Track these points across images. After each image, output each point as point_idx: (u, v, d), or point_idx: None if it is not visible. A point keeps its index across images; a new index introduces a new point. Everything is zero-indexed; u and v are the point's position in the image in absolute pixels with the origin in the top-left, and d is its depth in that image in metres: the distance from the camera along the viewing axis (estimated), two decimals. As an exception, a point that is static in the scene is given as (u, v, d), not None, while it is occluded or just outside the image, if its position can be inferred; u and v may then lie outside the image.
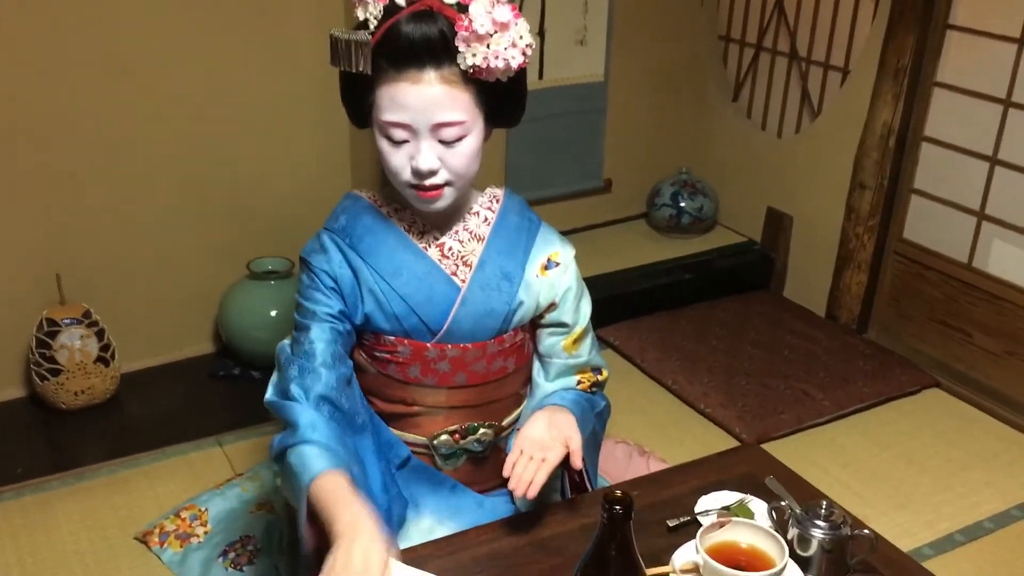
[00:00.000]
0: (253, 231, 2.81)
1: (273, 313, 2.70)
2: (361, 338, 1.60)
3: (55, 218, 2.55)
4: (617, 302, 3.07)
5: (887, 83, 2.86)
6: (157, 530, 2.09)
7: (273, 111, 2.76)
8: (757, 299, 3.28)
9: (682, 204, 3.41)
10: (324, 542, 1.30)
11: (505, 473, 1.45)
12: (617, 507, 1.05)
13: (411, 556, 1.38)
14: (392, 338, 1.57)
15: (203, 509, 2.14)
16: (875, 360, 2.89)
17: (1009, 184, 2.67)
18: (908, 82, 2.81)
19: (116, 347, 2.59)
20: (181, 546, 2.06)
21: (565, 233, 1.72)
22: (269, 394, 1.56)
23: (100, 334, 2.55)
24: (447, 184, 1.47)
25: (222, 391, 2.72)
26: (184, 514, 2.13)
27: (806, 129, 3.26)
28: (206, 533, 2.09)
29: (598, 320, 1.75)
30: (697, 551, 1.30)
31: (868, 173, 2.97)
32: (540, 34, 3.17)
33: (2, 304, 2.54)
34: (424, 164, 1.41)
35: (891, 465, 2.48)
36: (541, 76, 3.24)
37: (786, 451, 2.33)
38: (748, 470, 1.64)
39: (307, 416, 1.43)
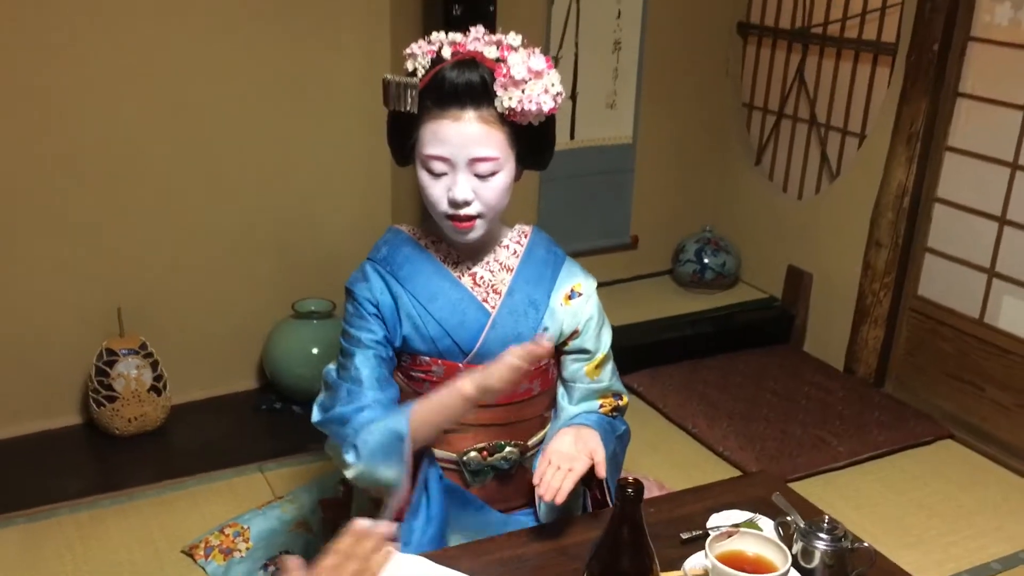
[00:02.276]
0: (298, 274, 3.00)
1: (315, 351, 2.86)
2: (399, 360, 1.75)
3: (118, 256, 2.76)
4: (641, 351, 3.20)
5: (901, 147, 3.01)
6: (202, 544, 2.23)
7: (319, 164, 2.97)
8: (777, 353, 3.39)
9: (706, 260, 3.56)
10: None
11: (535, 481, 1.58)
12: (629, 490, 1.19)
13: (441, 557, 1.50)
14: (427, 359, 1.71)
15: (245, 527, 2.28)
16: (890, 411, 2.99)
17: (1018, 243, 2.80)
18: (921, 146, 2.97)
19: (168, 378, 2.77)
20: (224, 559, 2.19)
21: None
22: (316, 415, 1.70)
23: (154, 365, 2.73)
24: (479, 216, 1.62)
25: (265, 423, 2.88)
26: (228, 530, 2.27)
27: (825, 191, 3.41)
28: (248, 548, 2.22)
29: (623, 368, 1.87)
30: (706, 556, 1.41)
31: (884, 232, 3.10)
32: (572, 97, 3.38)
33: (67, 335, 2.73)
34: (460, 195, 1.58)
35: (903, 509, 2.57)
36: (573, 137, 3.43)
37: (801, 493, 2.40)
38: (758, 493, 1.75)
39: (359, 417, 1.58)
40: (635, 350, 3.09)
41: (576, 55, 3.34)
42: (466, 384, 1.52)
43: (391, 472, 1.55)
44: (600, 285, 1.84)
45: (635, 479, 1.21)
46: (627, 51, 3.45)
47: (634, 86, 3.49)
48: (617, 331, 1.87)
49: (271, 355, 2.93)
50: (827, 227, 3.34)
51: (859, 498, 2.60)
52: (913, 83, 2.95)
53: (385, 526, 1.17)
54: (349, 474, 1.61)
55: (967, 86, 2.89)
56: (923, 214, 3.05)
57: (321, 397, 1.71)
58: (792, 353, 3.42)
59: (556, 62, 3.29)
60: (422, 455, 1.66)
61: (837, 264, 3.30)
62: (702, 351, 3.33)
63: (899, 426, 2.91)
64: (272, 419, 2.90)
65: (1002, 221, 2.83)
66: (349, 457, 1.58)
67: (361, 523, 1.16)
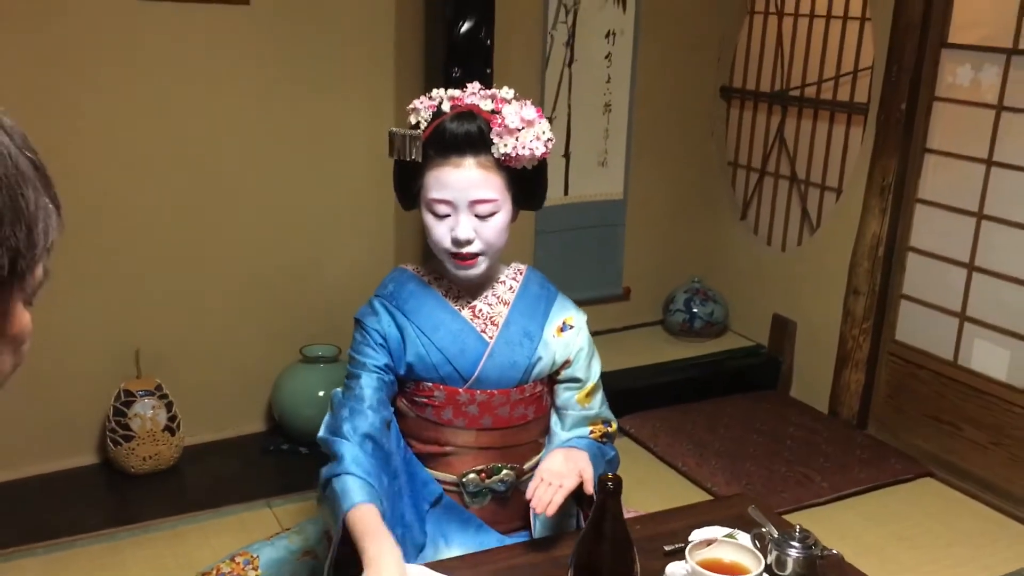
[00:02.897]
0: (306, 320, 3.16)
1: (321, 394, 3.00)
2: (403, 386, 1.89)
3: (137, 301, 2.92)
4: (633, 395, 3.34)
5: (875, 200, 3.20)
6: (214, 571, 2.34)
7: (326, 214, 3.16)
8: (764, 397, 3.53)
9: (695, 310, 3.72)
10: (355, 562, 1.54)
11: (528, 495, 1.71)
12: (609, 483, 1.33)
13: (439, 566, 1.63)
14: (430, 384, 1.86)
15: (255, 555, 2.39)
16: (872, 450, 3.12)
17: (985, 288, 2.96)
18: (893, 199, 3.15)
19: (181, 419, 2.90)
20: (235, 586, 2.30)
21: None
22: (322, 432, 1.83)
23: (169, 406, 2.87)
24: (481, 254, 1.79)
25: (273, 463, 3.01)
26: (238, 559, 2.38)
27: (806, 243, 3.59)
28: (257, 575, 2.33)
29: (615, 410, 2.00)
30: (687, 562, 1.54)
31: (861, 280, 3.27)
32: (566, 156, 3.58)
33: (86, 376, 2.88)
34: (462, 234, 1.74)
35: (883, 540, 2.68)
36: (567, 192, 3.62)
37: (784, 522, 2.54)
38: (737, 512, 1.88)
39: (352, 452, 1.70)
40: (627, 394, 3.23)
41: (569, 116, 3.55)
42: (370, 547, 1.52)
43: (334, 526, 1.65)
44: (593, 334, 1.98)
45: (615, 475, 1.35)
46: (617, 113, 3.66)
47: (624, 145, 3.70)
48: (609, 376, 2.01)
49: (279, 398, 3.06)
50: (809, 277, 3.51)
51: (842, 531, 2.71)
52: (884, 140, 3.15)
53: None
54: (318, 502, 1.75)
55: (934, 142, 3.09)
56: (897, 263, 3.22)
57: (328, 417, 1.84)
58: (779, 398, 3.56)
59: (550, 122, 3.50)
60: (399, 494, 1.79)
61: (819, 312, 3.46)
62: (692, 396, 3.47)
63: (880, 464, 3.04)
64: (280, 459, 3.02)
65: (970, 268, 3.00)
66: (320, 490, 1.71)
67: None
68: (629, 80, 3.64)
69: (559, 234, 3.60)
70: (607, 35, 3.56)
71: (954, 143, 3.03)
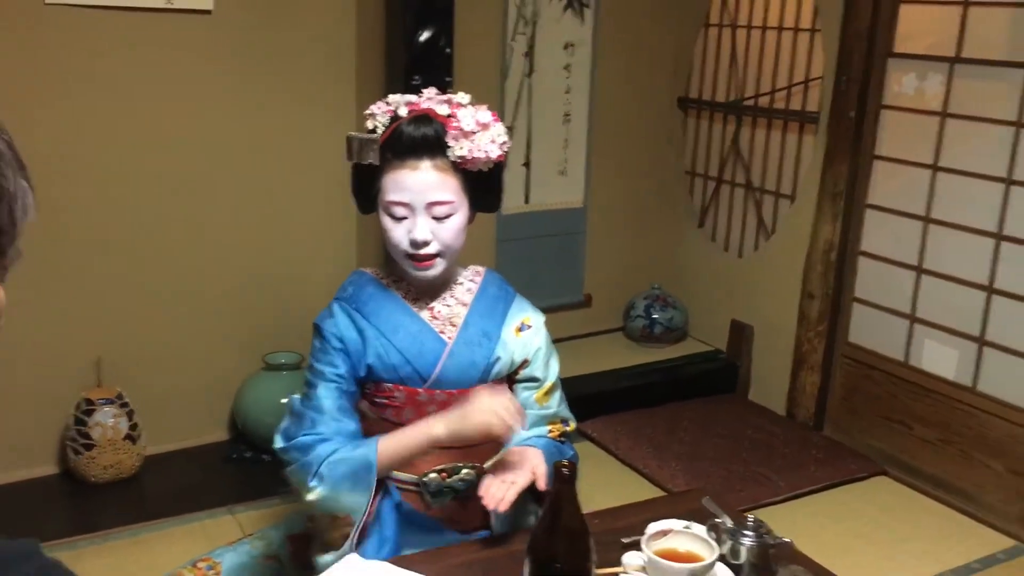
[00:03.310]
0: (268, 328, 3.17)
1: (284, 402, 2.99)
2: (364, 388, 1.91)
3: (98, 309, 2.92)
4: (594, 400, 3.38)
5: (827, 206, 3.28)
6: (176, 577, 2.34)
7: (287, 222, 3.18)
8: (723, 401, 3.60)
9: (655, 316, 3.78)
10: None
11: (480, 492, 1.73)
12: (564, 469, 1.36)
13: (398, 562, 1.65)
14: (390, 385, 1.88)
15: (217, 560, 2.39)
16: (828, 451, 3.19)
17: (934, 290, 3.05)
18: (844, 204, 3.24)
19: (143, 428, 2.90)
20: (197, 591, 2.30)
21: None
22: (279, 442, 1.84)
23: (130, 414, 2.86)
24: (438, 255, 1.82)
25: (236, 471, 3.01)
26: (200, 564, 2.37)
27: (762, 248, 3.66)
28: (219, 581, 2.33)
29: (577, 416, 2.03)
30: (642, 550, 1.57)
31: (815, 284, 3.35)
32: (526, 164, 3.63)
33: (46, 385, 2.87)
34: (420, 235, 1.77)
35: (839, 537, 2.74)
36: (527, 201, 3.67)
37: (741, 520, 2.59)
38: (694, 506, 1.92)
39: (328, 444, 1.73)
40: (589, 399, 3.27)
41: (529, 125, 3.60)
42: (438, 426, 1.69)
43: (355, 499, 1.70)
44: (555, 341, 2.01)
45: (570, 462, 1.39)
46: (576, 122, 3.72)
47: (584, 154, 3.76)
48: (571, 381, 2.05)
49: (241, 406, 3.07)
50: (765, 282, 3.59)
51: (798, 528, 2.77)
52: (835, 148, 3.24)
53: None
54: (310, 497, 1.73)
55: (882, 149, 3.18)
56: (849, 266, 3.30)
57: (285, 424, 1.85)
58: (737, 401, 3.62)
59: (510, 131, 3.54)
60: (379, 482, 1.81)
61: (775, 316, 3.54)
62: (653, 401, 3.52)
63: (836, 464, 3.11)
64: (242, 468, 3.03)
65: (919, 270, 3.09)
66: (313, 483, 1.71)
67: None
68: (588, 90, 3.70)
69: (520, 242, 3.65)
70: (566, 46, 3.62)
71: (901, 149, 3.12)
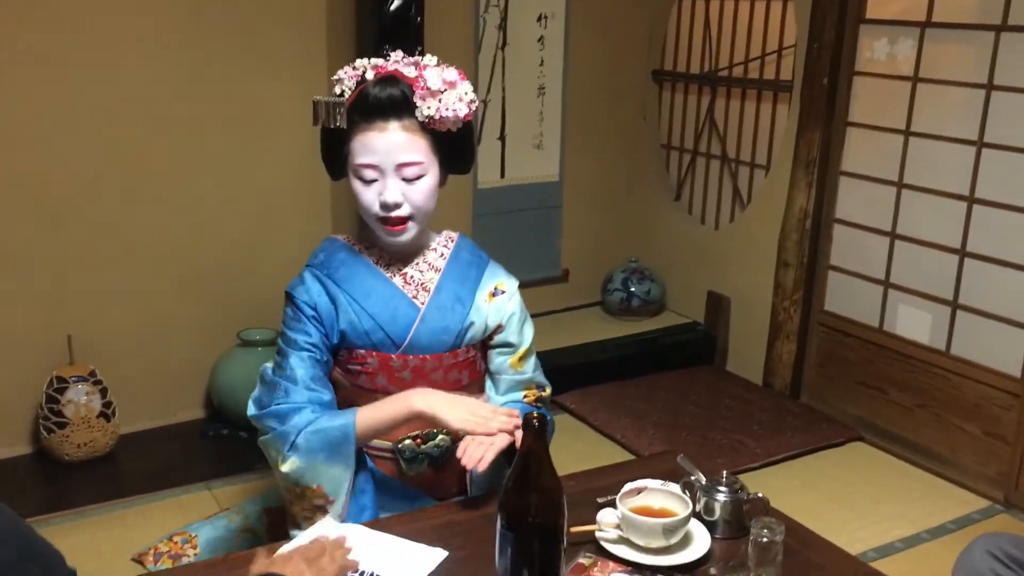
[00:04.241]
0: (243, 303, 3.15)
1: (258, 384, 2.98)
2: (336, 355, 1.90)
3: (69, 287, 2.88)
4: (572, 372, 3.38)
5: (801, 174, 3.29)
6: (151, 551, 2.33)
7: (260, 196, 3.15)
8: (701, 372, 3.61)
9: (632, 289, 3.78)
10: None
11: (459, 454, 1.73)
12: (535, 420, 1.36)
13: (375, 525, 1.64)
14: (363, 351, 1.87)
15: (193, 534, 2.38)
16: (804, 418, 3.21)
17: (907, 255, 3.07)
18: (818, 172, 3.25)
19: (117, 406, 2.87)
20: (173, 564, 2.29)
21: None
22: (251, 410, 1.82)
23: (103, 392, 2.83)
24: (410, 218, 1.81)
25: (212, 449, 2.99)
26: (176, 538, 2.37)
27: (738, 220, 3.67)
28: (196, 554, 2.32)
29: (555, 389, 2.04)
30: (616, 507, 1.57)
31: (790, 253, 3.36)
32: (501, 138, 3.62)
33: (16, 363, 2.84)
34: (390, 197, 1.76)
35: (815, 501, 2.76)
36: (503, 175, 3.66)
37: (718, 485, 2.60)
38: (669, 468, 1.93)
39: (304, 414, 1.72)
40: (567, 371, 3.27)
41: (503, 98, 3.58)
42: (419, 402, 1.68)
43: (332, 471, 1.69)
44: (534, 316, 2.00)
45: (539, 414, 1.39)
46: (551, 96, 3.70)
47: (559, 128, 3.74)
48: (550, 354, 2.04)
49: (217, 383, 3.05)
50: (741, 253, 3.59)
51: (773, 493, 2.73)
52: (808, 116, 3.24)
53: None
54: (284, 468, 1.73)
55: (855, 115, 3.19)
56: (824, 234, 3.31)
57: (257, 392, 1.83)
58: (714, 371, 3.63)
59: (485, 105, 3.53)
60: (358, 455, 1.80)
61: (752, 286, 3.54)
62: (631, 373, 3.53)
63: (812, 430, 3.12)
64: (219, 444, 3.01)
65: (892, 236, 3.10)
66: (289, 453, 1.71)
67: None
68: (562, 63, 3.69)
69: (497, 216, 3.63)
70: (539, 18, 3.60)
71: (874, 115, 3.13)
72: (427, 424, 1.86)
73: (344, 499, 1.71)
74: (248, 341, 3.06)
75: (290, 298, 1.88)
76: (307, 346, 1.81)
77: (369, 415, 1.72)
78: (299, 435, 1.71)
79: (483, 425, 1.68)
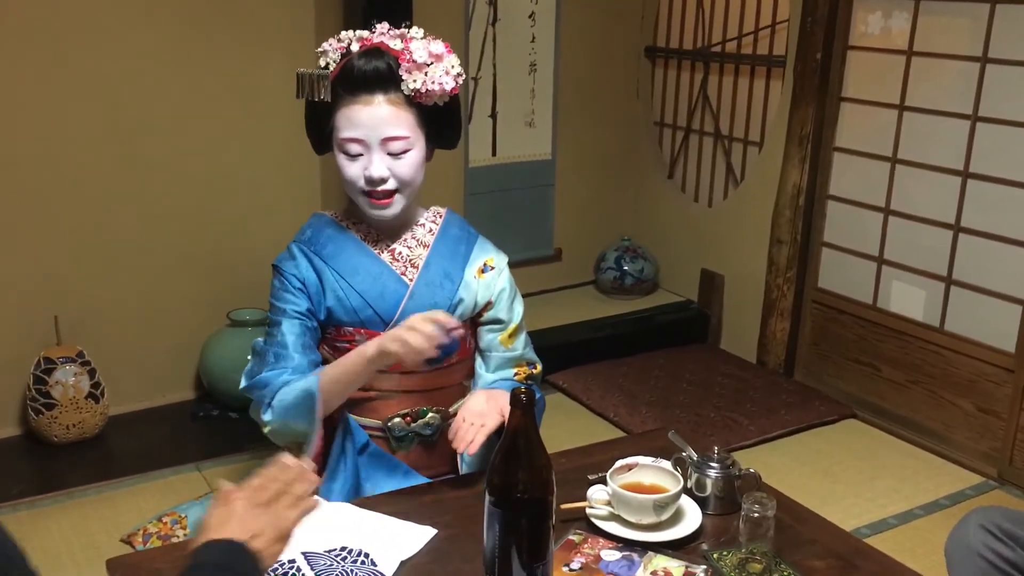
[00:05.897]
0: (233, 284, 3.12)
1: (250, 358, 2.96)
2: (324, 332, 1.88)
3: (55, 268, 2.86)
4: (565, 351, 3.36)
5: (794, 150, 3.26)
6: (141, 532, 2.32)
7: (249, 175, 3.12)
8: (695, 350, 3.59)
9: (625, 267, 3.76)
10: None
11: (450, 436, 1.71)
12: (522, 395, 1.34)
13: (364, 503, 1.63)
14: (351, 329, 1.85)
15: (183, 515, 2.37)
16: (798, 395, 3.20)
17: (901, 231, 3.05)
18: (811, 148, 3.22)
19: (105, 387, 2.85)
20: (162, 545, 2.27)
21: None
22: (243, 382, 1.82)
23: (92, 373, 2.81)
24: (396, 191, 1.78)
25: (203, 429, 2.97)
26: (166, 519, 2.35)
27: (731, 197, 3.65)
28: (185, 535, 2.31)
29: (548, 367, 2.02)
30: (607, 484, 1.56)
31: (784, 230, 3.34)
32: (492, 116, 3.58)
33: (2, 346, 2.81)
34: (376, 172, 1.73)
35: (808, 477, 2.75)
36: (495, 153, 3.63)
37: (711, 462, 2.59)
38: (661, 445, 1.91)
39: (283, 376, 1.72)
40: (559, 350, 3.25)
41: (494, 75, 3.54)
42: (368, 346, 1.66)
43: (302, 426, 1.70)
44: (526, 295, 1.98)
45: (527, 388, 1.37)
46: (542, 73, 3.67)
47: (551, 105, 3.71)
48: (542, 333, 2.03)
49: (207, 364, 3.02)
50: (734, 230, 3.57)
51: (767, 470, 2.75)
52: (801, 91, 3.21)
53: (306, 462, 1.31)
54: (266, 430, 1.74)
55: (849, 90, 3.16)
56: (817, 211, 3.29)
57: (249, 365, 1.83)
58: (708, 350, 3.62)
59: (475, 83, 3.50)
60: (337, 421, 1.79)
61: (745, 264, 3.53)
62: (624, 352, 3.51)
63: (806, 407, 3.11)
64: (210, 425, 2.99)
65: (886, 212, 3.08)
66: (266, 415, 1.72)
67: (286, 456, 1.30)
68: (554, 39, 3.65)
69: (489, 195, 3.61)
70: (530, -7, 3.56)
71: (868, 90, 3.10)
72: (418, 401, 1.85)
73: (311, 453, 1.70)
74: (238, 321, 3.04)
75: (278, 270, 1.86)
76: (296, 314, 1.80)
77: (331, 369, 1.71)
78: (274, 397, 1.71)
79: (417, 339, 1.57)
